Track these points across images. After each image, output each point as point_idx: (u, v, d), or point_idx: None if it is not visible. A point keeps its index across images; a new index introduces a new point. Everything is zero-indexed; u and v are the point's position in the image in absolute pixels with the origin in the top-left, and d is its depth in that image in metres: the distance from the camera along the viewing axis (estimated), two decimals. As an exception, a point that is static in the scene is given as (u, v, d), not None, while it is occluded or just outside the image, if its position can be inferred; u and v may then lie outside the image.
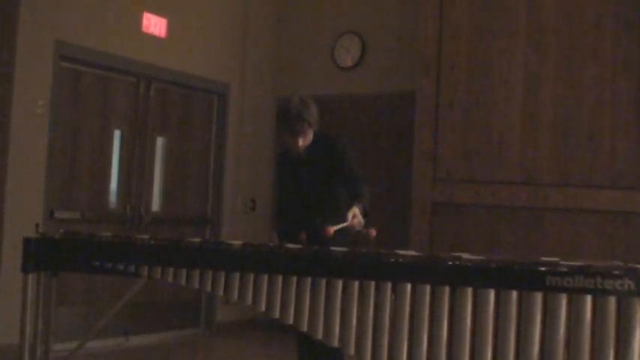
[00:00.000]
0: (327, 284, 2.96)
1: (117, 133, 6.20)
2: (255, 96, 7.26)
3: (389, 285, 2.89)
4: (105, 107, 6.10)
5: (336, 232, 3.36)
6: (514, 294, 2.77)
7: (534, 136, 5.61)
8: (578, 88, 5.54)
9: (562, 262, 2.80)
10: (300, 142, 3.70)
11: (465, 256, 2.92)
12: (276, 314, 3.01)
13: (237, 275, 3.07)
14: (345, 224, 3.36)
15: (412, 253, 3.04)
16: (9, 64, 5.38)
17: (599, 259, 3.32)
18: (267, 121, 7.23)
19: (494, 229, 5.65)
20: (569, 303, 2.72)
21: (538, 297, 2.74)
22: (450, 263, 2.87)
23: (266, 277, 3.03)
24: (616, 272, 2.71)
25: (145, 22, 6.27)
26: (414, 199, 5.88)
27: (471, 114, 5.78)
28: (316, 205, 3.76)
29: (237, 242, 3.22)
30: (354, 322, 2.91)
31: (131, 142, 6.27)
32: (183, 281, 3.13)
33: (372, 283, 2.91)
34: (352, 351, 2.91)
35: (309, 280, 2.98)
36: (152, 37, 6.32)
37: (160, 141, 6.56)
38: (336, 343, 2.94)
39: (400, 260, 2.93)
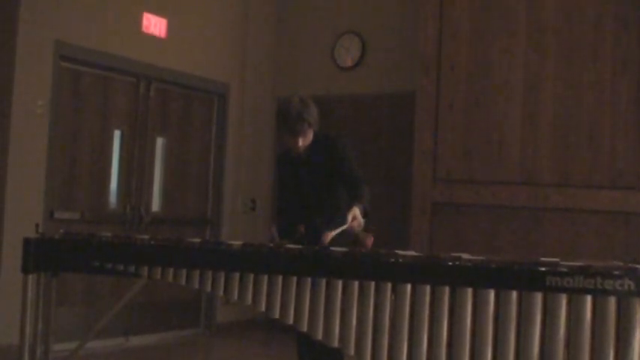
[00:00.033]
0: (327, 284, 2.96)
1: (117, 133, 6.20)
2: (255, 96, 7.26)
3: (389, 285, 2.89)
4: (105, 107, 6.10)
5: (334, 236, 3.34)
6: (514, 294, 2.77)
7: (534, 136, 5.62)
8: (578, 88, 5.54)
9: (562, 263, 2.80)
10: (300, 143, 3.69)
11: (465, 256, 2.92)
12: (276, 314, 3.01)
13: (237, 275, 3.07)
14: (344, 227, 3.35)
15: (412, 253, 3.04)
16: (9, 64, 5.38)
17: (599, 260, 3.32)
18: (267, 121, 7.23)
19: (494, 229, 5.65)
20: (569, 303, 2.72)
21: (538, 297, 2.74)
22: (450, 263, 2.87)
23: (266, 277, 3.03)
24: (616, 272, 2.71)
25: (145, 22, 6.27)
26: (414, 199, 5.88)
27: (471, 114, 5.78)
28: (316, 206, 3.76)
29: (237, 242, 3.21)
30: (354, 322, 2.91)
31: (131, 143, 6.27)
32: (183, 281, 3.13)
33: (372, 284, 2.91)
34: (352, 351, 2.91)
35: (309, 280, 2.98)
36: (152, 38, 6.33)
37: (159, 141, 6.56)
38: (336, 344, 2.94)
39: (400, 260, 2.93)
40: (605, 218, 5.38)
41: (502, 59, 5.73)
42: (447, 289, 2.83)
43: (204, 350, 6.61)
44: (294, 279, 3.00)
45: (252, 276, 3.05)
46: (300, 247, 3.18)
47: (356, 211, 3.42)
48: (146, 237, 3.39)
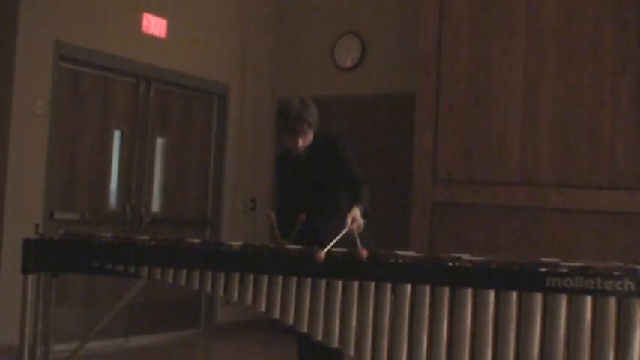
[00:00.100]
0: (327, 285, 2.96)
1: (117, 134, 6.20)
2: (255, 96, 7.26)
3: (389, 285, 2.89)
4: (105, 108, 6.10)
5: (330, 248, 3.31)
6: (514, 294, 2.77)
7: (534, 136, 5.61)
8: (578, 88, 5.54)
9: (562, 263, 2.80)
10: (300, 143, 3.69)
11: (465, 256, 2.92)
12: (276, 315, 3.01)
13: (237, 276, 3.07)
14: (344, 231, 3.32)
15: (412, 253, 3.04)
16: (9, 64, 5.38)
17: (599, 260, 3.32)
18: (267, 122, 7.23)
19: (494, 229, 5.65)
20: (569, 303, 2.73)
21: (538, 297, 2.75)
22: (450, 264, 2.87)
23: (266, 277, 3.03)
24: (616, 273, 2.71)
25: (144, 22, 6.27)
26: (414, 199, 5.88)
27: (471, 114, 5.78)
28: (316, 206, 3.75)
29: (237, 243, 3.22)
30: (354, 322, 2.91)
31: (131, 143, 6.27)
32: (183, 282, 3.13)
33: (372, 284, 2.91)
34: (352, 351, 2.92)
35: (309, 280, 2.99)
36: (152, 38, 6.33)
37: (159, 141, 6.56)
38: (336, 344, 2.94)
39: (400, 261, 2.93)
40: (605, 219, 5.38)
41: (502, 59, 5.73)
42: (446, 290, 2.83)
43: (204, 350, 6.61)
44: (294, 279, 3.00)
45: (252, 276, 3.05)
46: (300, 247, 3.18)
47: (356, 212, 3.41)
48: (146, 237, 3.40)
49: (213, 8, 6.91)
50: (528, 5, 5.68)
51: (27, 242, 3.34)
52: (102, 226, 5.93)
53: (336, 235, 3.20)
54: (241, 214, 7.14)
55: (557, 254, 3.70)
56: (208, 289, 3.11)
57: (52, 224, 5.51)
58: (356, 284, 2.93)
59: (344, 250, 3.06)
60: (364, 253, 3.03)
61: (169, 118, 6.63)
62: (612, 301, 2.69)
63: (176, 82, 6.59)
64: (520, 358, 2.74)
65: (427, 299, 2.84)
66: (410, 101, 6.18)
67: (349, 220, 3.36)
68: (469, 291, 2.81)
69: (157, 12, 6.35)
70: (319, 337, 2.96)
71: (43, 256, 3.33)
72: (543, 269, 2.77)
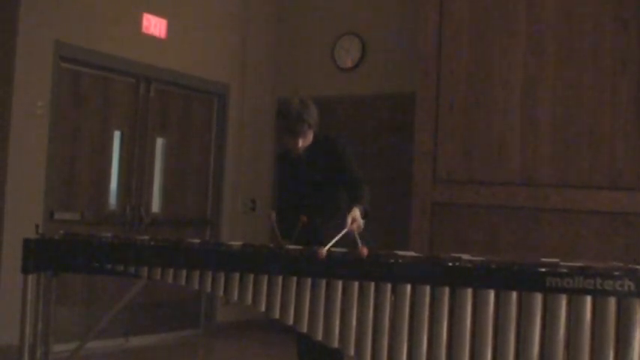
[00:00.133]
0: (327, 285, 2.96)
1: (117, 134, 6.20)
2: (255, 96, 7.26)
3: (389, 286, 2.89)
4: (105, 108, 6.10)
5: (331, 246, 3.32)
6: (514, 295, 2.77)
7: (534, 136, 5.61)
8: (578, 89, 5.54)
9: (562, 263, 2.80)
10: (300, 143, 3.69)
11: (465, 256, 2.92)
12: (276, 315, 3.01)
13: (237, 276, 3.07)
14: (344, 231, 3.32)
15: (412, 253, 3.04)
16: (9, 64, 5.38)
17: (599, 260, 3.32)
18: (267, 122, 7.23)
19: (494, 229, 5.65)
20: (569, 304, 2.73)
21: (538, 298, 2.75)
22: (450, 264, 2.87)
23: (266, 277, 3.03)
24: (616, 273, 2.71)
25: (144, 22, 6.27)
26: (414, 199, 5.88)
27: (471, 114, 5.78)
28: (316, 206, 3.75)
29: (237, 243, 3.22)
30: (354, 322, 2.91)
31: (131, 143, 6.27)
32: (183, 282, 3.14)
33: (372, 284, 2.91)
34: (352, 352, 2.92)
35: (309, 280, 2.99)
36: (152, 38, 6.33)
37: (159, 142, 6.56)
38: (335, 344, 2.94)
39: (400, 261, 2.93)
40: (605, 219, 5.38)
41: (502, 59, 5.72)
42: (446, 290, 2.83)
43: (204, 351, 6.61)
44: (294, 279, 3.00)
45: (252, 276, 3.05)
46: (300, 247, 3.19)
47: (356, 212, 3.41)
48: (146, 237, 3.40)
49: (213, 8, 6.92)
50: (528, 5, 5.68)
51: (27, 242, 3.34)
52: (102, 226, 5.93)
53: (336, 235, 3.21)
54: (241, 214, 7.14)
55: (557, 254, 3.70)
56: (208, 289, 3.11)
57: (52, 224, 5.51)
58: (356, 284, 2.93)
59: (344, 250, 3.06)
60: (364, 251, 3.04)
61: (169, 119, 6.63)
62: (612, 302, 2.69)
63: (176, 82, 6.59)
64: (520, 359, 2.74)
65: (427, 299, 2.84)
66: (410, 101, 6.18)
67: (349, 220, 3.37)
68: (469, 291, 2.81)
69: (156, 12, 6.35)
70: (319, 337, 2.96)
71: (43, 256, 3.33)
72: (543, 269, 2.77)
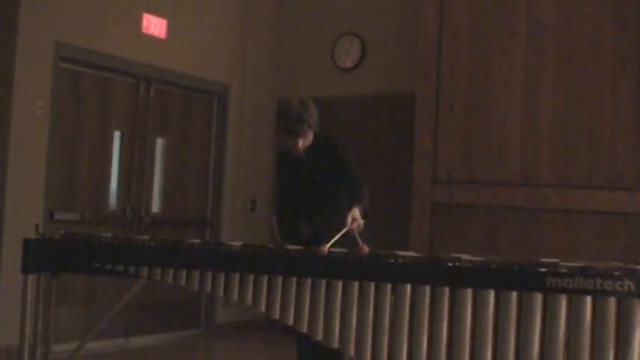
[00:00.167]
0: (327, 285, 2.96)
1: (117, 134, 6.20)
2: (255, 97, 7.26)
3: (389, 286, 2.89)
4: (105, 108, 6.10)
5: (333, 244, 3.32)
6: (514, 295, 2.77)
7: (534, 136, 5.61)
8: (578, 89, 5.53)
9: (562, 263, 2.80)
10: (300, 144, 3.69)
11: (465, 256, 2.92)
12: (276, 315, 3.01)
13: (237, 276, 3.07)
14: (344, 230, 3.33)
15: (412, 254, 3.04)
16: (9, 64, 5.38)
17: (599, 260, 3.32)
18: (267, 122, 7.23)
19: (494, 229, 5.64)
20: (569, 304, 2.72)
21: (538, 298, 2.74)
22: (450, 264, 2.87)
23: (266, 278, 3.03)
24: (616, 273, 2.71)
25: (144, 23, 6.27)
26: (414, 199, 5.88)
27: (471, 114, 5.78)
28: (316, 207, 3.75)
29: (237, 243, 3.22)
30: (354, 323, 2.91)
31: (131, 143, 6.27)
32: (183, 282, 3.13)
33: (372, 284, 2.91)
34: (352, 352, 2.92)
35: (309, 281, 2.99)
36: (152, 38, 6.33)
37: (159, 142, 6.56)
38: (336, 344, 2.94)
39: (400, 261, 2.93)
40: (605, 219, 5.38)
41: (502, 59, 5.72)
42: (446, 290, 2.83)
43: (204, 351, 6.61)
44: (294, 280, 3.00)
45: (252, 277, 3.05)
46: (300, 247, 3.19)
47: (355, 212, 3.42)
48: (146, 238, 3.40)
49: (213, 8, 6.92)
50: (528, 5, 5.68)
51: (27, 242, 3.34)
52: (102, 226, 5.93)
53: (337, 234, 3.22)
54: (241, 214, 7.14)
55: (557, 254, 3.70)
56: (208, 289, 3.11)
57: (52, 224, 5.51)
58: (356, 284, 2.93)
59: (344, 250, 3.06)
60: (365, 249, 3.05)
61: (169, 119, 6.63)
62: (612, 302, 2.69)
63: (176, 82, 6.60)
64: (520, 359, 2.74)
65: (427, 299, 2.84)
66: (410, 101, 6.18)
67: (349, 219, 3.37)
68: (469, 291, 2.81)
69: (156, 12, 6.35)
70: (319, 337, 2.96)
71: (43, 256, 3.33)
72: (543, 269, 2.76)
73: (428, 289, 2.85)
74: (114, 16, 6.02)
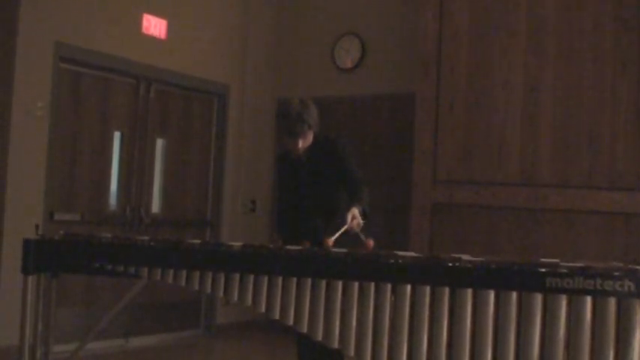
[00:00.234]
0: (327, 285, 2.96)
1: (117, 135, 6.20)
2: (255, 97, 7.26)
3: (389, 286, 2.89)
4: (105, 109, 6.10)
5: (336, 239, 3.34)
6: (514, 295, 2.77)
7: (534, 136, 5.61)
8: (578, 89, 5.54)
9: (562, 264, 2.80)
10: (300, 144, 3.69)
11: (465, 257, 2.92)
12: (276, 315, 3.01)
13: (237, 276, 3.07)
14: (344, 227, 3.36)
15: (412, 254, 3.04)
16: (9, 65, 5.38)
17: (599, 261, 3.32)
18: (267, 122, 7.23)
19: (494, 229, 5.64)
20: (569, 304, 2.72)
21: (538, 298, 2.74)
22: (450, 264, 2.87)
23: (266, 278, 3.03)
24: (616, 273, 2.71)
25: (145, 23, 6.27)
26: (414, 199, 5.88)
27: (471, 115, 5.78)
28: (316, 207, 3.76)
29: (237, 243, 3.22)
30: (354, 323, 2.91)
31: (131, 144, 6.27)
32: (183, 282, 3.13)
33: (372, 285, 2.91)
34: (352, 352, 2.92)
35: (309, 281, 2.98)
36: (152, 39, 6.33)
37: (159, 142, 6.56)
38: (336, 345, 2.94)
39: (400, 261, 2.93)
40: (605, 219, 5.38)
41: (502, 59, 5.72)
42: (446, 290, 2.83)
43: (204, 351, 6.61)
44: (294, 280, 3.00)
45: (252, 277, 3.05)
46: (300, 248, 3.19)
47: (355, 211, 3.43)
48: (146, 238, 3.40)
49: (213, 9, 6.92)
50: (528, 5, 5.68)
51: (27, 243, 3.34)
52: (102, 226, 5.93)
53: (337, 230, 3.26)
54: (241, 214, 7.14)
55: (557, 254, 3.70)
56: (208, 289, 3.11)
57: (52, 225, 5.51)
58: (356, 285, 2.93)
59: (344, 250, 3.06)
60: (370, 243, 3.07)
61: (169, 119, 6.63)
62: (612, 302, 2.69)
63: (176, 82, 6.59)
64: (520, 359, 2.74)
65: (427, 300, 2.84)
66: (410, 101, 6.18)
67: (349, 218, 3.38)
68: (469, 291, 2.80)
69: (156, 13, 6.35)
70: (319, 337, 2.96)
71: (43, 256, 3.33)
72: (543, 270, 2.76)
73: (428, 289, 2.85)
74: (114, 16, 6.02)
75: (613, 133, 5.44)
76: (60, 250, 3.35)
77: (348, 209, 3.46)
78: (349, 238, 3.46)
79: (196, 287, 3.12)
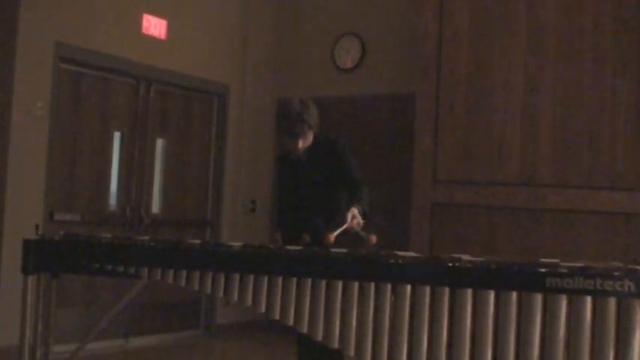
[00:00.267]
0: (327, 285, 2.96)
1: (117, 135, 6.20)
2: (255, 97, 7.26)
3: (389, 286, 2.89)
4: (105, 109, 6.10)
5: (337, 236, 3.35)
6: (514, 295, 2.76)
7: (534, 136, 5.61)
8: (578, 89, 5.54)
9: (562, 264, 2.80)
10: (300, 144, 3.69)
11: (465, 257, 2.92)
12: (276, 316, 3.01)
13: (237, 276, 3.07)
14: (344, 226, 3.37)
15: (412, 254, 3.04)
16: (9, 65, 5.38)
17: (599, 261, 3.32)
18: (267, 123, 7.23)
19: (494, 230, 5.65)
20: (569, 304, 2.72)
21: (538, 298, 2.74)
22: (450, 264, 2.87)
23: (266, 278, 3.03)
24: (616, 273, 2.71)
25: (145, 23, 6.27)
26: (414, 200, 5.88)
27: (471, 115, 5.78)
28: (316, 207, 3.76)
29: (237, 244, 3.22)
30: (354, 323, 2.91)
31: (131, 144, 6.27)
32: (183, 283, 3.13)
33: (372, 285, 2.91)
34: (352, 352, 2.91)
35: (309, 281, 2.98)
36: (152, 39, 6.32)
37: (159, 142, 6.56)
38: (336, 345, 2.94)
39: (400, 261, 2.93)
40: (605, 219, 5.38)
41: (502, 60, 5.73)
42: (446, 290, 2.83)
43: (204, 352, 6.61)
44: (294, 280, 3.00)
45: (252, 277, 3.05)
46: (300, 248, 3.19)
47: (355, 211, 3.43)
48: (146, 238, 3.40)
49: (213, 9, 6.91)
50: (528, 5, 5.69)
51: (27, 243, 3.34)
52: (102, 227, 5.93)
53: (338, 229, 3.28)
54: (241, 214, 7.14)
55: (557, 254, 3.70)
56: (208, 290, 3.11)
57: (52, 225, 5.50)
58: (356, 285, 2.93)
59: (344, 250, 3.06)
60: (373, 238, 3.08)
61: (169, 119, 6.63)
62: (612, 302, 2.69)
63: (176, 83, 6.59)
64: (520, 359, 2.74)
65: (427, 300, 2.84)
66: (410, 101, 6.19)
67: (349, 217, 3.39)
68: (469, 291, 2.80)
69: (156, 13, 6.35)
70: (319, 337, 2.95)
71: (43, 256, 3.33)
72: (543, 270, 2.76)
73: (428, 289, 2.85)
74: (114, 17, 6.02)
75: (613, 133, 5.44)
76: (60, 250, 3.35)
77: (348, 209, 3.46)
78: (350, 238, 3.46)
79: (196, 287, 3.12)
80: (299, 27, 7.38)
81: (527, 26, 5.68)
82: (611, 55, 5.47)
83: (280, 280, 3.01)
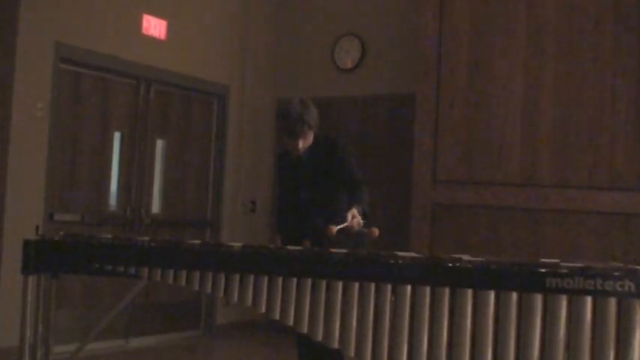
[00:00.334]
0: (328, 286, 2.96)
1: (117, 135, 6.20)
2: (255, 98, 7.26)
3: (389, 286, 2.89)
4: (105, 109, 6.10)
5: (337, 231, 3.36)
6: (514, 295, 2.76)
7: (534, 137, 5.61)
8: (578, 89, 5.54)
9: (562, 264, 2.79)
10: (300, 144, 3.69)
11: (465, 257, 2.92)
12: (277, 316, 3.01)
13: (237, 277, 3.06)
14: (345, 224, 3.37)
15: (412, 254, 3.04)
16: (9, 65, 5.38)
17: (599, 261, 3.32)
18: (267, 123, 7.23)
19: (495, 230, 5.64)
20: (569, 304, 2.72)
21: (538, 298, 2.74)
22: (450, 265, 2.87)
23: (266, 278, 3.03)
24: (616, 274, 2.71)
25: (144, 23, 6.27)
26: (414, 200, 5.88)
27: (471, 115, 5.78)
28: (316, 207, 3.76)
29: (237, 244, 3.21)
30: (354, 323, 2.91)
31: (131, 144, 6.27)
32: (183, 283, 3.13)
33: (372, 285, 2.91)
34: (352, 352, 2.91)
35: (309, 281, 2.98)
36: (152, 39, 6.33)
37: (159, 143, 6.56)
38: (336, 345, 2.94)
39: (400, 262, 2.93)
40: (605, 219, 5.38)
41: (502, 60, 5.73)
42: (447, 291, 2.83)
43: (204, 352, 6.60)
44: (295, 280, 2.99)
45: (252, 277, 3.04)
46: (300, 248, 3.19)
47: (355, 211, 3.44)
48: (146, 238, 3.39)
49: (213, 9, 6.91)
50: (528, 5, 5.69)
51: (27, 243, 3.33)
52: (102, 227, 5.93)
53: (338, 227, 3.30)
54: (241, 215, 7.14)
55: (558, 255, 3.70)
56: (208, 290, 3.11)
57: (52, 225, 5.50)
58: (356, 285, 2.93)
59: (344, 250, 3.06)
60: (376, 231, 3.09)
61: (169, 120, 6.63)
62: (612, 302, 2.69)
63: (176, 83, 6.59)
64: (520, 359, 2.74)
65: (427, 300, 2.84)
66: (410, 102, 6.18)
67: (349, 217, 3.39)
68: (469, 292, 2.80)
69: (156, 13, 6.35)
70: (319, 338, 2.95)
71: (43, 257, 3.33)
72: (543, 270, 2.76)
73: (428, 289, 2.84)
74: (114, 17, 6.02)
75: (613, 133, 5.44)
76: (60, 250, 3.35)
77: (348, 209, 3.46)
78: (350, 237, 3.46)
79: (196, 288, 3.12)
80: (299, 27, 7.38)
81: (527, 26, 5.68)
82: (611, 55, 5.47)
83: (280, 280, 3.01)
